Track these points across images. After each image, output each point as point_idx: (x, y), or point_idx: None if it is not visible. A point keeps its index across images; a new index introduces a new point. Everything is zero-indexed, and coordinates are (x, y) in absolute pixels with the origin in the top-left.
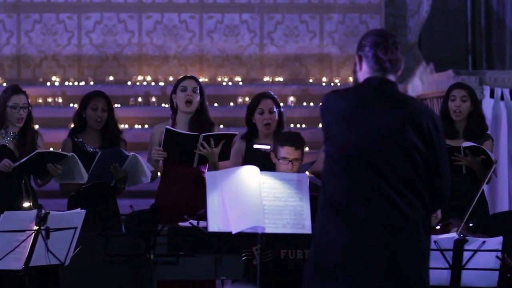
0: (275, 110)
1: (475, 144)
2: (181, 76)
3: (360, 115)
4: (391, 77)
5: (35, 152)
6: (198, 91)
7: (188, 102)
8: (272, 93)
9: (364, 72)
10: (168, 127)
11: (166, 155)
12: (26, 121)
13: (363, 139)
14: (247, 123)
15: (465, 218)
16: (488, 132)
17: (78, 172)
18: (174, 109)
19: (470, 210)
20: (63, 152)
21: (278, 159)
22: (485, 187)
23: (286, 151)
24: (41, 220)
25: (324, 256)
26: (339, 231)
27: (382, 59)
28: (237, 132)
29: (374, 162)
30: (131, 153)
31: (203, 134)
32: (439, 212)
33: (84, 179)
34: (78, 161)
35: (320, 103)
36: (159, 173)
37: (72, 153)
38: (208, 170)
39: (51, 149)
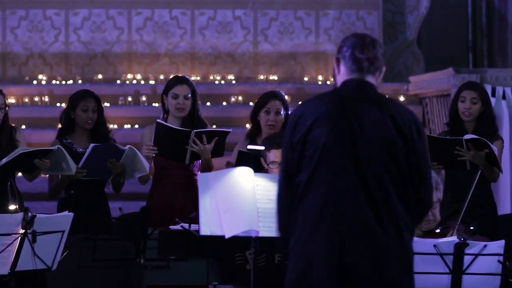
0: (282, 112)
1: (477, 137)
2: (172, 76)
3: (340, 119)
4: (370, 79)
5: (19, 153)
6: (190, 96)
7: (179, 110)
8: (283, 94)
9: (342, 75)
10: (159, 121)
11: (157, 151)
12: (3, 121)
13: (346, 143)
14: (251, 119)
15: (460, 217)
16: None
17: (66, 164)
18: (166, 110)
19: (464, 208)
20: (48, 148)
21: (268, 164)
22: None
23: (274, 155)
24: (27, 223)
25: (307, 271)
26: (321, 243)
27: (359, 58)
28: (230, 130)
29: (358, 167)
30: (127, 146)
31: (195, 131)
32: (437, 215)
33: (72, 170)
34: (65, 153)
35: (294, 113)
36: (151, 176)
37: (58, 146)
38: (201, 167)
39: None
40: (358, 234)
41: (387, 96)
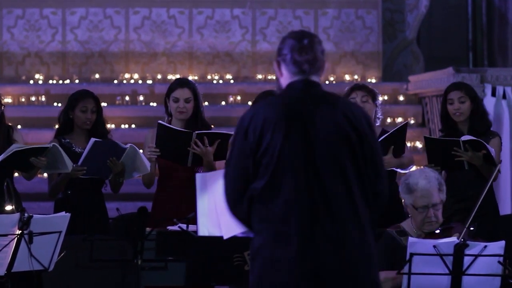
0: None
1: (475, 138)
2: (170, 76)
3: (292, 122)
4: (314, 78)
5: (12, 152)
6: (192, 99)
7: (181, 113)
8: None
9: (285, 78)
10: (160, 121)
11: (160, 152)
12: None
13: (302, 145)
14: None
15: (468, 223)
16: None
17: (62, 162)
18: (169, 112)
19: (473, 214)
20: (42, 145)
21: None
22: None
23: None
24: (24, 224)
25: (270, 276)
26: (284, 247)
27: (299, 61)
28: (232, 133)
29: (316, 168)
30: (128, 145)
31: (196, 132)
32: (440, 217)
33: (69, 167)
34: (61, 150)
35: (243, 118)
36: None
37: (53, 143)
38: (204, 170)
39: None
40: (324, 236)
41: (334, 93)
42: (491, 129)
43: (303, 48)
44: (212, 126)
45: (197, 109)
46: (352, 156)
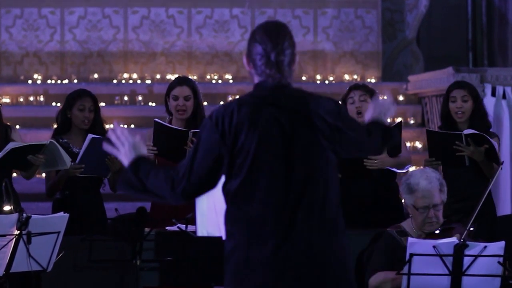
0: None
1: (478, 132)
2: (169, 75)
3: (265, 122)
4: (286, 75)
5: (9, 149)
6: (192, 96)
7: (181, 111)
8: None
9: (256, 76)
10: (157, 120)
11: (157, 151)
12: None
13: (277, 145)
14: None
15: (469, 224)
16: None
17: (60, 159)
18: (169, 111)
19: (474, 215)
20: (39, 142)
21: None
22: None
23: None
24: (22, 224)
25: (245, 276)
26: (259, 248)
27: (271, 62)
28: None
29: (293, 168)
30: None
31: (192, 131)
32: (440, 217)
33: (67, 164)
34: (58, 147)
35: (213, 115)
36: None
37: (51, 140)
38: None
39: None
40: (299, 237)
41: (303, 90)
42: (491, 130)
43: (273, 48)
44: None
45: (197, 108)
46: (327, 152)
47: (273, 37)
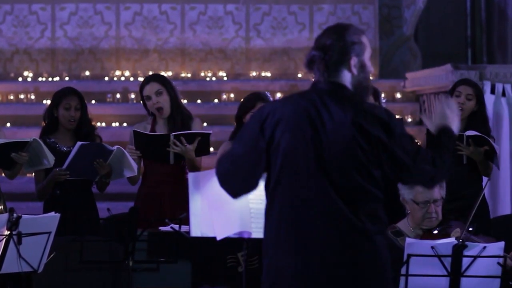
0: None
1: (479, 134)
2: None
3: (303, 122)
4: (344, 75)
5: None
6: (163, 90)
7: (159, 110)
8: (269, 96)
9: (315, 74)
10: (135, 129)
11: (140, 154)
12: None
13: (308, 147)
14: (236, 121)
15: (468, 223)
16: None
17: (44, 157)
18: (150, 112)
19: (473, 213)
20: (22, 139)
21: None
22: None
23: None
24: (12, 224)
25: (275, 283)
26: (289, 256)
27: (333, 61)
28: (211, 132)
29: (324, 171)
30: (116, 147)
31: (173, 134)
32: (440, 213)
33: (51, 163)
34: (42, 145)
35: (262, 110)
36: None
37: (34, 138)
38: (187, 167)
39: None
40: (332, 243)
41: (358, 95)
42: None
43: (333, 50)
44: (205, 123)
45: (175, 102)
46: (362, 162)
47: (333, 46)
